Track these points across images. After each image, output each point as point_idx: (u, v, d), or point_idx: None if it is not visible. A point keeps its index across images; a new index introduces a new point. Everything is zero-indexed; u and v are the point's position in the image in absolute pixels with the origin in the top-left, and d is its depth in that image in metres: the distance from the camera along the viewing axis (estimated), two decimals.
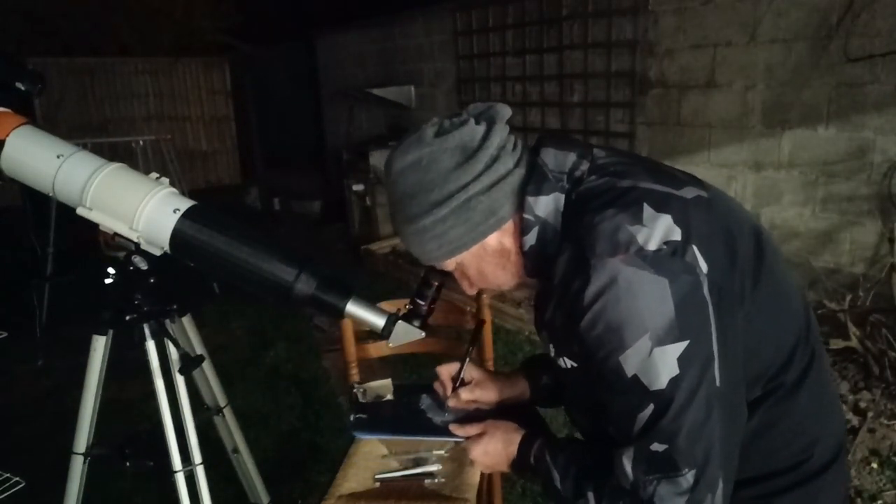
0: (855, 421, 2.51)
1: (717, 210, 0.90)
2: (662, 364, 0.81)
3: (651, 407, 0.83)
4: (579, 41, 4.22)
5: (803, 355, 0.94)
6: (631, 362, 0.82)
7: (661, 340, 0.81)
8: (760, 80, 3.29)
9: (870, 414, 2.53)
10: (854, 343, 2.81)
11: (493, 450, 1.09)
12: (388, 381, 1.38)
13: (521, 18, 4.64)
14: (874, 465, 2.30)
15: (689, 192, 0.89)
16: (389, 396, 1.36)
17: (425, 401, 1.33)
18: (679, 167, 1.00)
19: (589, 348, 0.86)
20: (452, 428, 1.16)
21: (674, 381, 0.81)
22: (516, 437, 1.07)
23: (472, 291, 1.07)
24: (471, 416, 1.22)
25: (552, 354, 0.99)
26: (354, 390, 1.36)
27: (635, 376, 0.82)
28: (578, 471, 0.96)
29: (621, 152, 1.01)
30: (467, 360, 1.24)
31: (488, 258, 0.98)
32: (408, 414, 1.29)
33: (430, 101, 5.81)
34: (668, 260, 0.81)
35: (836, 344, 2.84)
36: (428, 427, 1.25)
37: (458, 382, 1.24)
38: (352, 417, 1.29)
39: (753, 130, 3.38)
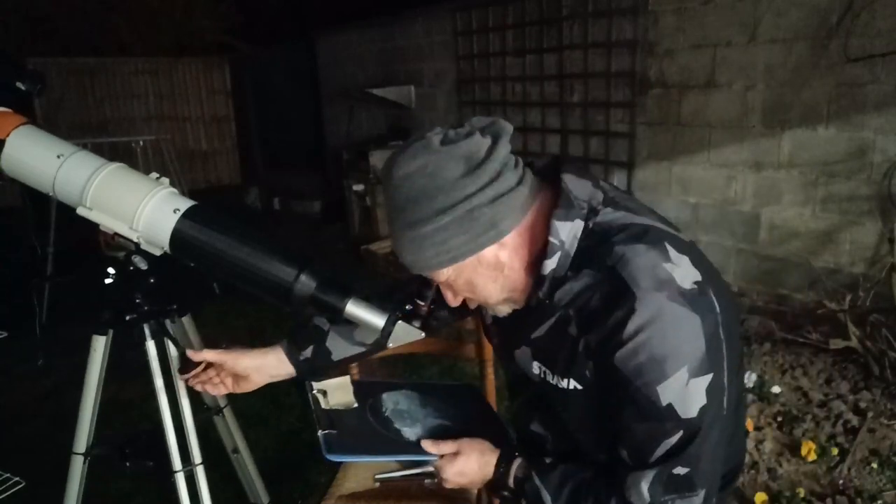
0: (855, 421, 2.51)
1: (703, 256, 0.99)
2: (696, 394, 0.88)
3: (680, 433, 0.89)
4: (579, 41, 4.22)
5: (734, 388, 1.00)
6: (668, 392, 0.88)
7: (696, 372, 0.87)
8: (760, 80, 3.29)
9: (870, 414, 2.53)
10: (854, 343, 2.81)
11: (469, 470, 1.10)
12: (346, 379, 1.32)
13: (521, 18, 4.64)
14: (874, 465, 2.30)
15: (684, 236, 0.97)
16: (351, 398, 1.30)
17: (388, 404, 1.32)
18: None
19: (624, 376, 0.89)
20: (425, 444, 1.16)
21: (703, 410, 0.89)
22: (492, 458, 1.09)
23: (455, 303, 1.06)
24: (440, 428, 1.21)
25: (535, 371, 1.02)
26: (314, 392, 1.28)
27: (670, 405, 0.88)
28: (572, 491, 0.98)
29: (616, 187, 1.06)
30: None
31: (482, 270, 0.97)
32: (376, 427, 1.26)
33: (430, 101, 5.81)
34: (698, 298, 0.88)
35: (836, 344, 2.83)
36: (401, 446, 1.22)
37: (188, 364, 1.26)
38: (320, 434, 1.20)
39: (753, 130, 3.38)
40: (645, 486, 0.91)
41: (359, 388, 1.35)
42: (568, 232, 0.93)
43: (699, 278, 0.90)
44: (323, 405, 1.28)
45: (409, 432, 1.23)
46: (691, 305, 0.87)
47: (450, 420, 1.27)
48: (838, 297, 2.93)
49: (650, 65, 3.80)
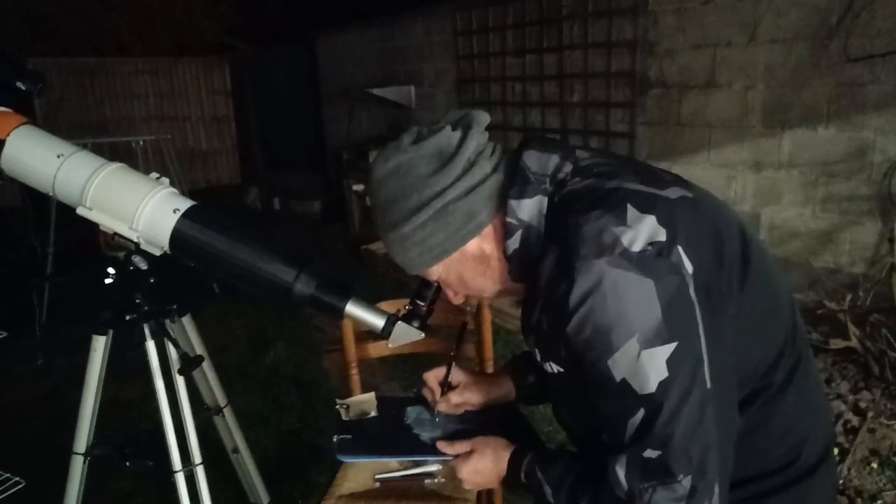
0: (855, 421, 2.51)
1: (702, 210, 0.90)
2: (651, 367, 0.80)
3: (641, 411, 0.82)
4: (579, 41, 4.22)
5: (790, 355, 0.94)
6: (619, 366, 0.81)
7: (650, 342, 0.80)
8: (760, 80, 3.29)
9: (870, 414, 2.53)
10: (854, 343, 2.81)
11: (483, 468, 1.08)
12: (371, 396, 1.36)
13: (521, 18, 4.64)
14: (874, 465, 2.30)
15: (673, 193, 0.89)
16: (374, 413, 1.33)
17: (411, 414, 1.30)
18: (679, 167, 1.00)
19: (576, 352, 0.85)
20: (440, 446, 1.15)
21: (663, 385, 0.80)
22: (505, 455, 1.06)
23: (458, 300, 1.07)
24: (459, 432, 1.20)
25: (538, 359, 0.99)
26: (337, 407, 1.33)
27: (624, 380, 0.82)
28: (571, 483, 0.95)
29: (605, 153, 1.01)
30: (453, 363, 1.24)
31: (468, 264, 0.97)
32: (394, 431, 1.26)
33: (430, 101, 5.81)
34: (654, 260, 0.81)
35: (836, 344, 2.83)
36: (415, 446, 1.22)
37: (446, 387, 1.23)
38: (335, 439, 1.24)
39: (753, 130, 3.38)
40: (622, 473, 0.84)
41: (387, 403, 1.36)
42: (527, 210, 0.91)
43: (660, 238, 0.81)
44: (344, 417, 1.31)
45: (427, 436, 1.23)
46: (640, 269, 0.79)
47: (472, 425, 1.25)
48: (838, 297, 2.93)
49: (650, 65, 3.80)
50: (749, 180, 3.45)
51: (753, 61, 3.29)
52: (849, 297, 2.88)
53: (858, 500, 2.17)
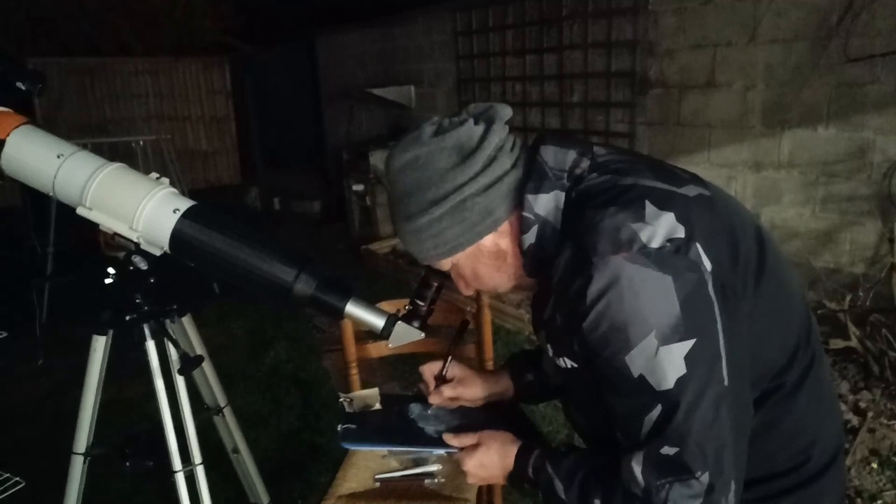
0: (855, 421, 2.51)
1: (719, 209, 0.89)
2: (669, 363, 0.80)
3: (659, 408, 0.81)
4: (579, 41, 4.22)
5: (804, 356, 0.94)
6: (637, 362, 0.81)
7: (668, 339, 0.79)
8: (760, 80, 3.29)
9: (870, 414, 2.53)
10: (854, 343, 2.81)
11: (489, 462, 1.07)
12: (375, 391, 1.36)
13: (521, 18, 4.64)
14: (874, 465, 2.30)
15: (691, 191, 0.88)
16: (377, 406, 1.33)
17: (415, 409, 1.30)
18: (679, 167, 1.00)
19: (593, 348, 0.85)
20: (447, 438, 1.14)
21: (681, 381, 0.80)
22: (512, 449, 1.05)
23: (469, 292, 1.07)
24: (463, 426, 1.20)
25: (550, 354, 0.98)
26: (341, 400, 1.34)
27: (641, 376, 0.81)
28: (583, 479, 0.94)
29: (622, 150, 1.00)
30: (450, 357, 1.24)
31: (484, 259, 0.97)
32: (398, 423, 1.27)
33: (430, 101, 5.81)
34: (672, 257, 0.80)
35: (836, 344, 2.84)
36: (420, 437, 1.22)
37: (441, 380, 1.23)
38: (339, 428, 1.25)
39: (753, 130, 3.38)
40: (638, 470, 0.84)
41: (390, 399, 1.36)
42: (544, 205, 0.90)
43: (679, 234, 0.81)
44: (348, 409, 1.32)
45: (431, 430, 1.23)
46: (659, 265, 0.79)
47: (476, 421, 1.25)
48: (838, 297, 2.93)
49: (650, 65, 3.80)
50: (749, 180, 3.46)
51: (753, 61, 3.29)
52: (849, 297, 2.89)
53: (858, 500, 2.17)
